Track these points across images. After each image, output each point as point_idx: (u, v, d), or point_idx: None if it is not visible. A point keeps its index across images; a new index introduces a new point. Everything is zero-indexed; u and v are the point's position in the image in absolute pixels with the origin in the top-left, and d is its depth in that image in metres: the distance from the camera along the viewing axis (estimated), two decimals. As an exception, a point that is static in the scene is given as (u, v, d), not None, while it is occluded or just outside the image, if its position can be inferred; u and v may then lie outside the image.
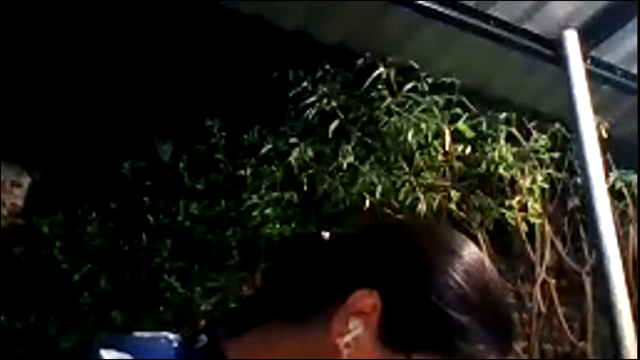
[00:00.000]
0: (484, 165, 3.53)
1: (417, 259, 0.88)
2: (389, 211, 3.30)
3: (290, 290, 0.91)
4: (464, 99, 3.52)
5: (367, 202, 3.30)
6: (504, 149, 3.51)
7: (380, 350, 0.84)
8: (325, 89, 3.52)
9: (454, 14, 3.14)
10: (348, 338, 0.84)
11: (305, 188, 3.51)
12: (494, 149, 3.51)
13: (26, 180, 3.99)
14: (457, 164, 3.55)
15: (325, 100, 3.51)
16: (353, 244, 0.92)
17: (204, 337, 0.88)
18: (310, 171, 3.52)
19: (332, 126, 3.48)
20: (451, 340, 0.84)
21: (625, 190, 3.88)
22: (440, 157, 3.51)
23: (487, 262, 0.90)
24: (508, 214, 3.54)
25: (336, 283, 0.88)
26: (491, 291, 0.88)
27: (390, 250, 0.89)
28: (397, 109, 3.47)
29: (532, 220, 3.62)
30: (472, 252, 0.89)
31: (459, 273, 0.86)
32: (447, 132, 3.47)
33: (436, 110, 3.46)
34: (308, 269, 0.91)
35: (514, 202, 3.56)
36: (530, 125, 3.68)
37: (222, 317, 0.95)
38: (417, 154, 3.48)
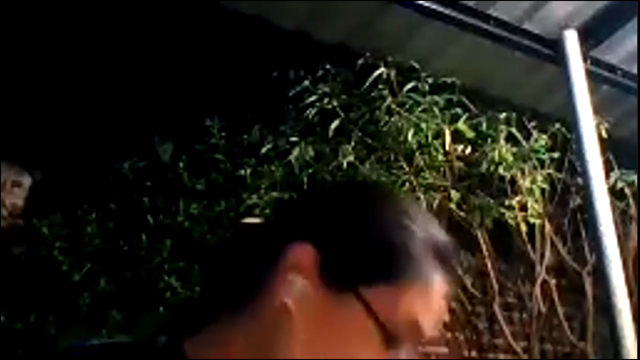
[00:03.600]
0: (484, 165, 3.53)
1: (351, 203, 0.88)
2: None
3: (228, 281, 0.90)
4: (464, 99, 3.53)
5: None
6: (504, 149, 3.52)
7: (327, 294, 0.83)
8: (325, 89, 3.52)
9: (454, 14, 3.14)
10: (293, 294, 0.82)
11: (305, 188, 3.51)
12: (494, 149, 3.52)
13: (26, 180, 3.98)
14: (457, 164, 3.56)
15: (325, 100, 3.51)
16: (278, 215, 0.94)
17: (163, 338, 0.87)
18: (311, 171, 3.52)
19: (333, 126, 3.49)
20: (394, 267, 0.84)
21: (627, 190, 3.88)
22: (440, 157, 3.52)
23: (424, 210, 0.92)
24: (508, 214, 3.54)
25: (266, 256, 0.86)
26: (429, 222, 0.89)
27: (317, 204, 0.90)
28: (397, 108, 3.48)
29: (532, 220, 3.62)
30: (408, 200, 0.91)
31: (395, 209, 0.87)
32: (447, 132, 3.48)
33: (436, 110, 3.47)
34: (237, 254, 0.90)
35: (514, 202, 3.56)
36: (530, 125, 3.69)
37: (180, 317, 0.94)
38: (417, 154, 3.48)
